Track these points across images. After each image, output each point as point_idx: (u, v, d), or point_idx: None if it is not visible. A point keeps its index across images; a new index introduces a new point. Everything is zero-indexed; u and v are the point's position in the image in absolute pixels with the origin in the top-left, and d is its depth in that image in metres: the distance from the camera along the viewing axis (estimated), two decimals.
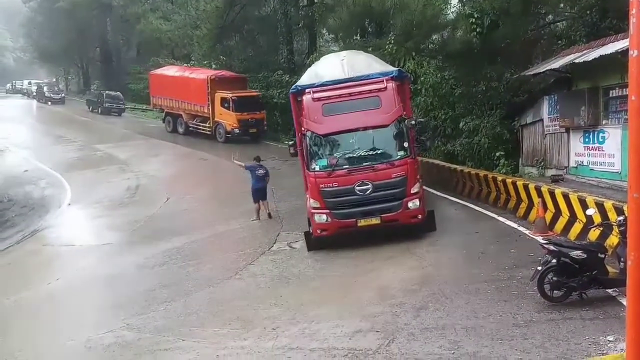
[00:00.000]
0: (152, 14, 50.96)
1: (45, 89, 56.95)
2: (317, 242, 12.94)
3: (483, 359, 6.85)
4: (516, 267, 9.99)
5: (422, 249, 12.00)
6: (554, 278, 8.14)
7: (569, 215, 11.82)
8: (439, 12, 22.98)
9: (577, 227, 11.44)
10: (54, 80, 71.13)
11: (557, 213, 12.27)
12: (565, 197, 11.93)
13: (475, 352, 7.01)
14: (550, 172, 16.22)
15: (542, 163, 16.92)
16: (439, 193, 17.65)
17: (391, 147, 12.76)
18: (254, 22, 36.38)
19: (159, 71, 36.33)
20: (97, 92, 50.96)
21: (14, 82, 69.33)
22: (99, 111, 46.07)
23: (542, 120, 17.05)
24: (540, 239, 10.86)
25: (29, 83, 63.96)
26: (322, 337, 8.10)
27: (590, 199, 11.02)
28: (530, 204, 13.32)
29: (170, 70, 34.98)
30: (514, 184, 14.23)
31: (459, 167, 18.12)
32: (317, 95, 12.87)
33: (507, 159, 18.56)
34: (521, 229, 12.71)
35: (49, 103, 53.65)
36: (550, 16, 21.55)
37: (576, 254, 8.13)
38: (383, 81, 12.80)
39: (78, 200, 21.09)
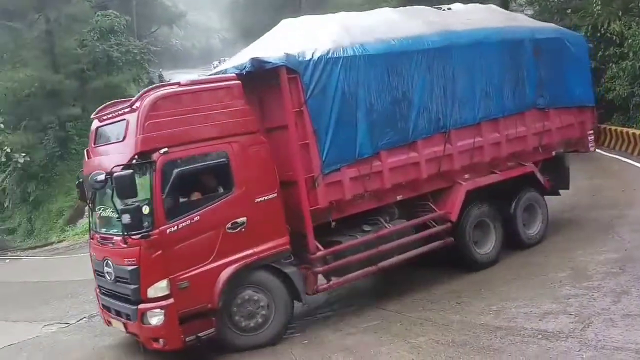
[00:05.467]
0: None
1: None
2: None
3: None
4: None
5: (626, 229, 10.91)
6: None
7: None
8: None
9: None
10: None
11: None
12: None
13: None
14: None
15: None
16: None
17: (129, 210, 7.38)
18: None
19: None
20: None
21: (222, 58, 72.29)
22: None
23: None
24: None
25: None
26: (510, 315, 7.82)
27: None
28: None
29: None
30: None
31: None
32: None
33: None
34: None
35: None
36: None
37: None
38: (142, 94, 7.63)
39: None
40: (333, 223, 8.52)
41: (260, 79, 8.26)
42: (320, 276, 8.72)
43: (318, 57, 8.34)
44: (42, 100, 27.09)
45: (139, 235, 7.31)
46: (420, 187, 9.47)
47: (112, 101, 8.58)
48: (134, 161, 7.30)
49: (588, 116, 11.82)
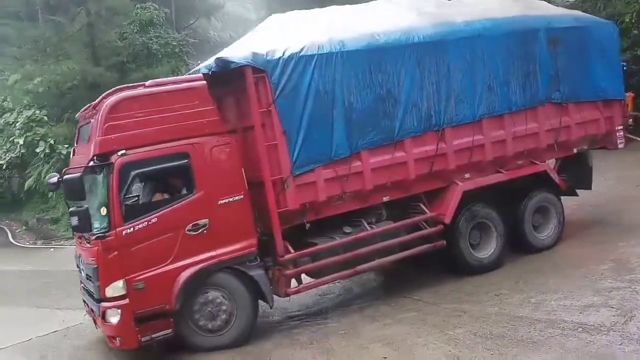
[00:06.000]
0: None
1: None
2: None
3: None
4: None
5: None
6: None
7: None
8: None
9: None
10: None
11: None
12: None
13: None
14: None
15: None
16: None
17: (78, 212, 7.43)
18: None
19: None
20: None
21: None
22: None
23: None
24: None
25: None
26: (550, 308, 7.72)
27: None
28: None
29: None
30: None
31: None
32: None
33: None
34: None
35: None
36: None
37: None
38: (105, 96, 7.71)
39: None
40: (307, 225, 8.36)
41: (234, 78, 8.06)
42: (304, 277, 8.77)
43: (289, 56, 8.06)
44: (84, 92, 27.53)
45: (95, 237, 7.40)
46: (410, 187, 9.06)
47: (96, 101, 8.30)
48: (92, 163, 7.38)
49: (617, 110, 10.90)
